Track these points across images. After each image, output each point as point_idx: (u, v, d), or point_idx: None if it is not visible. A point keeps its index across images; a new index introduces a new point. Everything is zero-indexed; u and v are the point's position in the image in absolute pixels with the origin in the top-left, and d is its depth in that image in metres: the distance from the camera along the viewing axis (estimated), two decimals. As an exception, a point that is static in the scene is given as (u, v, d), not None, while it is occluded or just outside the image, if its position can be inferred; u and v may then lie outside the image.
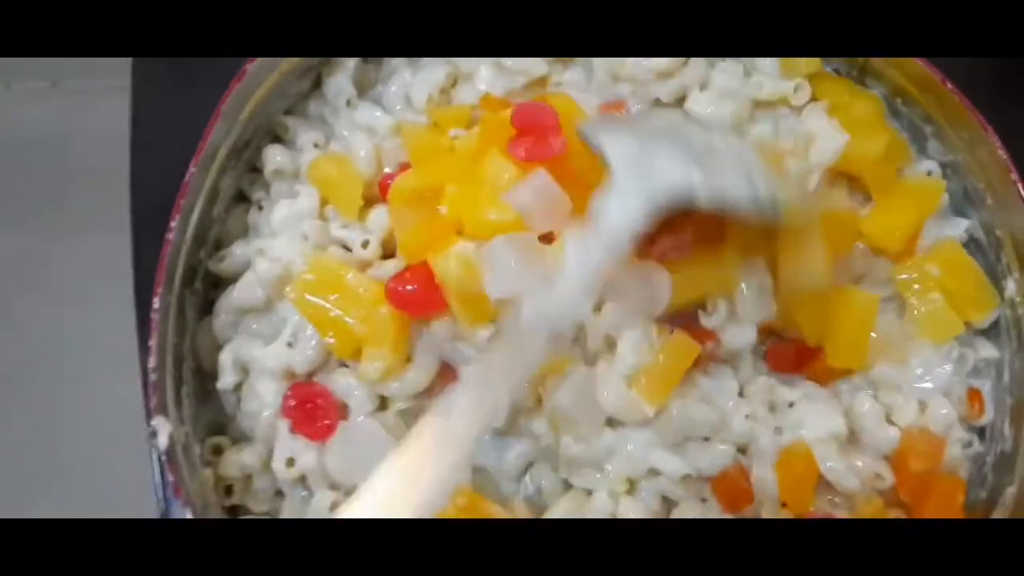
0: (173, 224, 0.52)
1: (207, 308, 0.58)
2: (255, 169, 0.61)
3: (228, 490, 0.55)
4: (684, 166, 0.48)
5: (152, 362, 0.50)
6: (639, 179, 0.47)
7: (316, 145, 0.60)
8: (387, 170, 0.58)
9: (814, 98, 0.61)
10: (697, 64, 0.60)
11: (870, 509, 0.52)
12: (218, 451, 0.55)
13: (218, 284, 0.59)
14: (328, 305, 0.54)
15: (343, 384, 0.55)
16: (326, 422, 0.54)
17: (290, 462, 0.54)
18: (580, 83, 0.62)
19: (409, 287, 0.53)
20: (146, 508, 0.61)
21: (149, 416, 0.49)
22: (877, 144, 0.57)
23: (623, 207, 0.47)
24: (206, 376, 0.57)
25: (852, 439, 0.54)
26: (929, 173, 0.61)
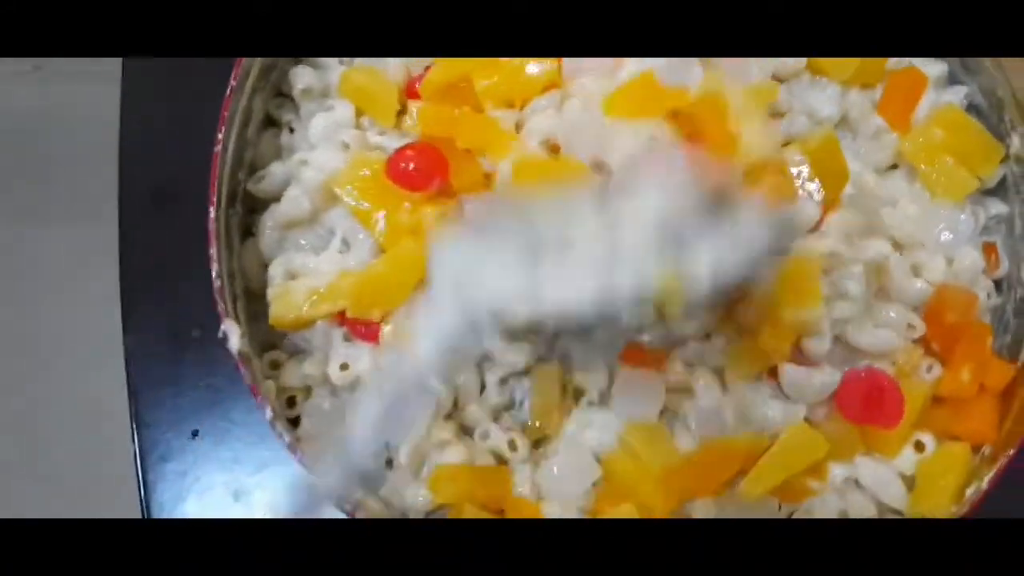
0: (219, 136, 0.53)
1: (247, 231, 0.60)
2: (281, 94, 0.62)
3: (290, 402, 0.56)
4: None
5: (215, 268, 0.51)
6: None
7: (341, 61, 0.61)
8: (415, 72, 0.59)
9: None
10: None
11: (907, 358, 0.55)
12: (275, 366, 0.57)
13: (254, 209, 0.60)
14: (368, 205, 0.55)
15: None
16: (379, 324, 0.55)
17: (344, 366, 0.55)
18: None
19: (411, 165, 0.53)
20: (125, 502, 0.64)
21: (217, 322, 0.50)
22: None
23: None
24: (253, 296, 0.58)
25: (881, 294, 0.57)
26: (928, 49, 0.64)
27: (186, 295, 0.58)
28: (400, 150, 0.54)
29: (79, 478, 1.17)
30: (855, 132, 0.61)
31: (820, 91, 0.61)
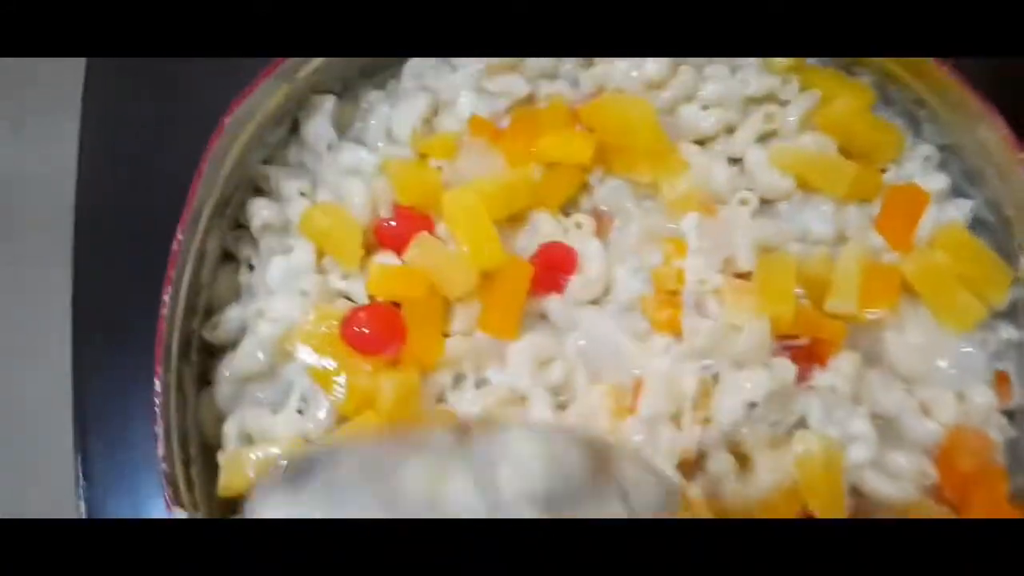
0: (166, 298, 0.49)
1: (204, 379, 0.55)
2: (239, 226, 0.58)
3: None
4: None
5: (161, 450, 0.47)
6: None
7: (302, 193, 0.57)
8: (382, 213, 0.55)
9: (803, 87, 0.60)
10: (686, 72, 0.59)
11: (920, 512, 0.51)
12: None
13: (213, 353, 0.56)
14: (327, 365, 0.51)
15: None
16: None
17: None
18: (566, 95, 0.60)
19: (364, 329, 0.50)
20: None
21: (168, 509, 0.46)
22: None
23: None
24: (211, 450, 0.53)
25: (889, 437, 0.53)
26: (927, 158, 0.60)
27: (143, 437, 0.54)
28: (354, 311, 0.50)
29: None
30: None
31: (813, 209, 0.57)
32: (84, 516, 0.58)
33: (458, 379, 0.52)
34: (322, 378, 0.50)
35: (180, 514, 0.46)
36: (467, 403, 0.51)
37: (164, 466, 0.47)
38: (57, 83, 0.72)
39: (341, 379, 0.49)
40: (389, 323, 0.49)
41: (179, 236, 0.51)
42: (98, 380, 0.61)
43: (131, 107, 0.68)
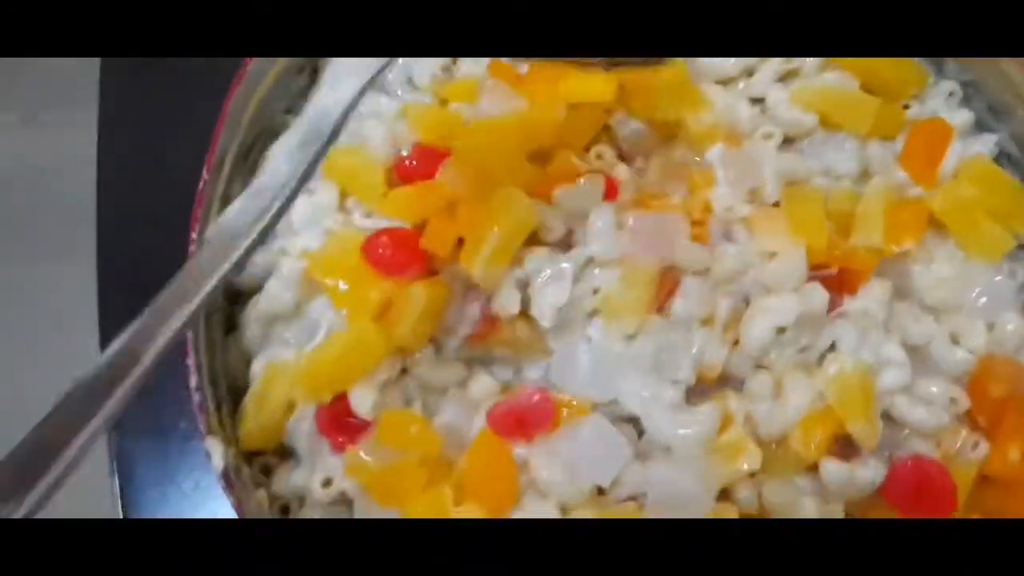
0: (194, 236, 0.49)
1: (231, 325, 0.55)
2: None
3: (284, 509, 0.52)
4: None
5: (194, 381, 0.47)
6: None
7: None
8: (403, 152, 0.55)
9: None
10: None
11: (951, 439, 0.50)
12: (267, 471, 0.52)
13: (238, 300, 0.56)
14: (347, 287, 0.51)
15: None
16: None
17: (327, 482, 0.50)
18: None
19: (386, 250, 0.50)
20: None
21: (200, 438, 0.46)
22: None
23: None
24: (241, 393, 0.54)
25: (919, 366, 0.52)
26: (951, 94, 0.60)
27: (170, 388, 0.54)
28: (376, 234, 0.50)
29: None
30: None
31: (837, 147, 0.57)
32: (114, 466, 0.58)
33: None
34: (341, 300, 0.50)
35: (214, 444, 0.46)
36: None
37: (197, 396, 0.47)
38: (69, 75, 0.72)
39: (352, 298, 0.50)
40: (410, 246, 0.50)
41: (205, 176, 0.51)
42: None
43: (147, 88, 0.68)
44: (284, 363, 0.51)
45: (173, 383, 0.53)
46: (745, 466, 0.48)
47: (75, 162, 0.77)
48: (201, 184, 0.50)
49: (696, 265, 0.50)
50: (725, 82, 0.59)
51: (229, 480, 0.46)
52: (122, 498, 0.58)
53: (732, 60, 0.58)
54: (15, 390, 1.21)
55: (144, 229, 0.63)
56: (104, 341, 0.60)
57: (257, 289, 0.54)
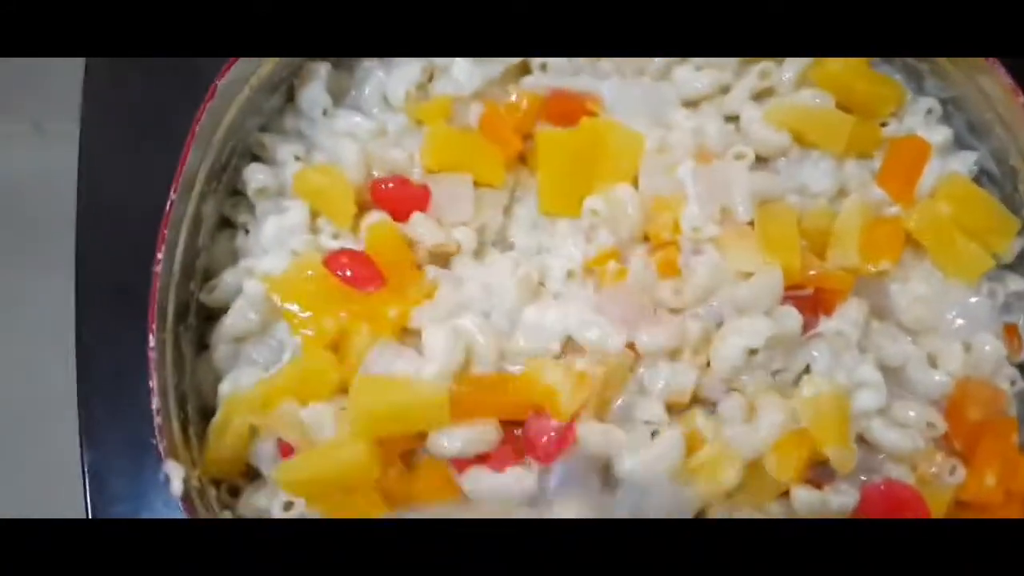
0: (159, 256, 0.49)
1: (203, 344, 0.55)
2: (236, 192, 0.58)
3: (250, 532, 0.52)
4: None
5: (155, 403, 0.47)
6: None
7: (298, 158, 0.57)
8: (376, 174, 0.55)
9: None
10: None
11: (927, 463, 0.50)
12: (235, 492, 0.52)
13: (212, 317, 0.56)
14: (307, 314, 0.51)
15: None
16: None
17: (288, 505, 0.49)
18: (562, 67, 0.59)
19: (347, 272, 0.51)
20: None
21: (159, 461, 0.46)
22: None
23: None
24: (211, 413, 0.53)
25: (896, 388, 0.51)
26: (929, 111, 0.59)
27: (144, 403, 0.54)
28: (335, 254, 0.51)
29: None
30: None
31: (813, 165, 0.56)
32: (86, 479, 0.57)
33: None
34: (299, 325, 0.50)
35: (174, 468, 0.46)
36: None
37: (158, 419, 0.46)
38: (76, 80, 0.72)
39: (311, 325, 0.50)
40: (370, 270, 0.50)
41: (172, 196, 0.50)
42: (101, 349, 0.60)
43: (128, 91, 0.68)
44: (243, 394, 0.50)
45: (146, 398, 0.54)
46: (726, 482, 0.47)
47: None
48: (168, 205, 0.50)
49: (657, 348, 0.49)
50: (696, 102, 0.58)
51: (190, 504, 0.46)
52: (92, 512, 0.57)
53: (705, 79, 0.58)
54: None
55: (122, 241, 0.62)
56: (79, 349, 0.60)
57: (226, 308, 0.54)
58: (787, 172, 0.56)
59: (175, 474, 0.46)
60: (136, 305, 0.58)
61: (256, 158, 0.58)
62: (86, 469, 0.58)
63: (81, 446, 0.58)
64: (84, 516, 0.58)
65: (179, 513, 0.57)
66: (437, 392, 0.46)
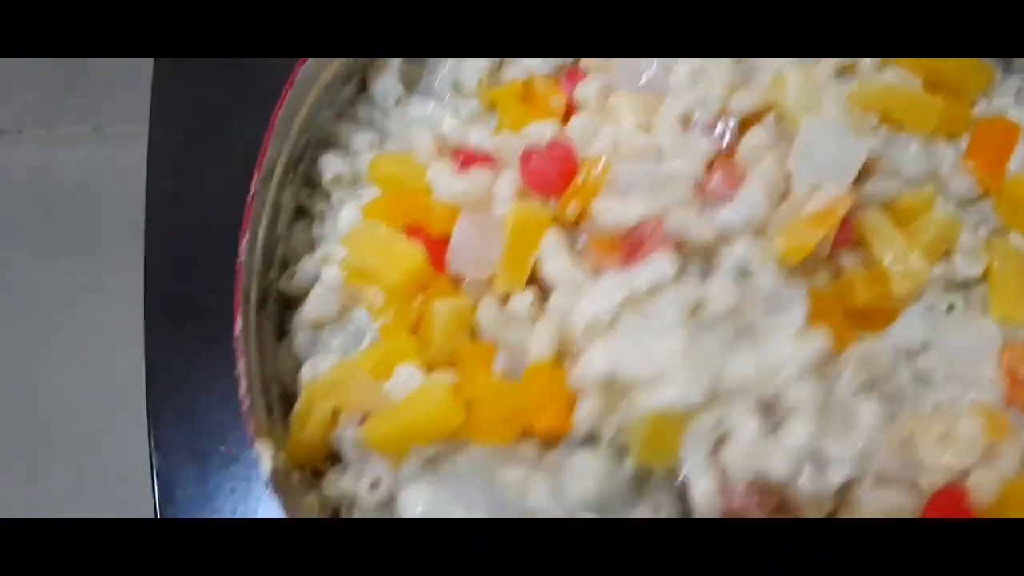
0: (243, 244, 0.50)
1: (283, 330, 0.56)
2: (311, 183, 0.59)
3: (335, 514, 0.52)
4: None
5: (243, 387, 0.48)
6: None
7: (372, 147, 0.58)
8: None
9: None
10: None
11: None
12: (318, 474, 0.53)
13: (290, 305, 0.57)
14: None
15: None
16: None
17: (375, 483, 0.50)
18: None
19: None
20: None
21: (250, 443, 0.47)
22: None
23: None
24: (292, 399, 0.54)
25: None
26: (1019, 91, 0.57)
27: (212, 410, 0.57)
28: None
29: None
30: (944, 192, 0.54)
31: (902, 148, 0.54)
32: (155, 485, 0.59)
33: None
34: (378, 310, 0.51)
35: (264, 448, 0.47)
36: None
37: (246, 402, 0.47)
38: (137, 87, 0.73)
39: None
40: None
41: (254, 187, 0.51)
42: (167, 360, 0.61)
43: (198, 92, 0.69)
44: (323, 381, 0.51)
45: (213, 405, 0.56)
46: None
47: (143, 174, 0.78)
48: (250, 195, 0.51)
49: None
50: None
51: (278, 484, 0.47)
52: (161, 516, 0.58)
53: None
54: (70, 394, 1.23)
55: (192, 224, 0.63)
56: (148, 353, 0.61)
57: (306, 295, 0.55)
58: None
59: (265, 454, 0.47)
60: (201, 313, 0.60)
61: (330, 147, 0.59)
62: (155, 475, 0.59)
63: (150, 453, 0.59)
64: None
65: (249, 515, 0.58)
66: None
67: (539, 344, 0.48)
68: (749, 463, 0.45)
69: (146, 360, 0.59)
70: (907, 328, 0.51)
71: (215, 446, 0.57)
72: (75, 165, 1.37)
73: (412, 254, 0.50)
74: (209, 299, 0.52)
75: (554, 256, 0.49)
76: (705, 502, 0.45)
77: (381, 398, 0.48)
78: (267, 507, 0.53)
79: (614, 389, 0.47)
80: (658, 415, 0.46)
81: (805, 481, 0.45)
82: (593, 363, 0.47)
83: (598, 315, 0.47)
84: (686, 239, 0.49)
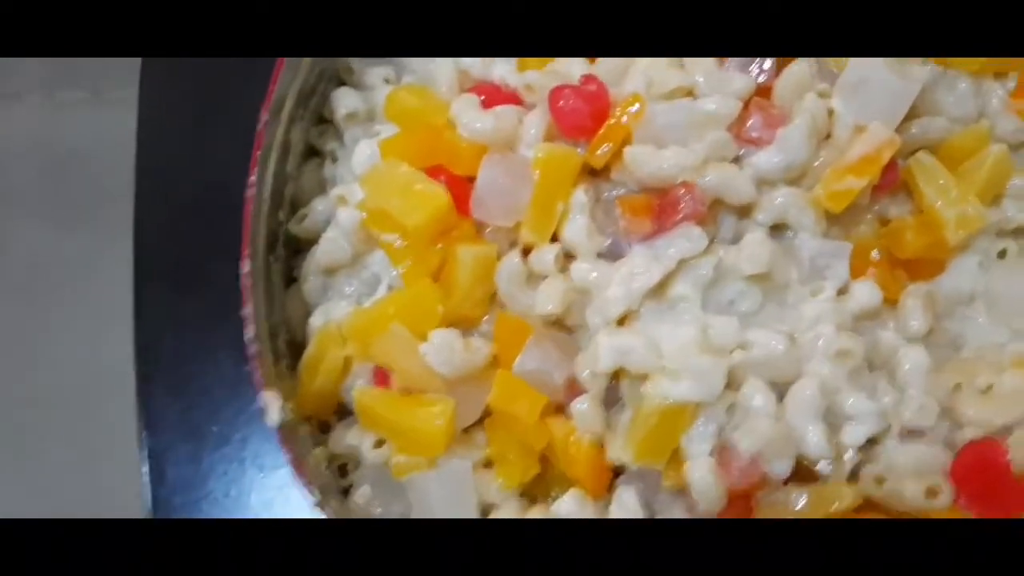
0: (252, 179, 0.47)
1: (292, 276, 0.53)
2: (323, 120, 0.56)
3: (342, 470, 0.50)
4: None
5: (250, 332, 0.45)
6: None
7: (387, 81, 0.54)
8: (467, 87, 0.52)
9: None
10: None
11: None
12: (326, 428, 0.50)
13: (300, 250, 0.54)
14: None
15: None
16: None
17: (379, 443, 0.47)
18: None
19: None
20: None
21: (253, 391, 0.44)
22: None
23: None
24: (300, 348, 0.51)
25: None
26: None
27: (209, 387, 0.54)
28: (559, 88, 0.47)
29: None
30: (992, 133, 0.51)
31: (948, 88, 0.51)
32: (145, 465, 0.56)
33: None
34: (396, 255, 0.47)
35: (271, 399, 0.44)
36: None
37: (253, 347, 0.44)
38: None
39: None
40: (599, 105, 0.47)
41: (263, 117, 0.48)
42: (160, 329, 0.59)
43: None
44: (337, 326, 0.48)
45: (211, 381, 0.54)
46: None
47: None
48: (260, 125, 0.48)
49: None
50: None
51: (285, 437, 0.44)
52: (153, 500, 0.56)
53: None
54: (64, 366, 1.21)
55: (185, 187, 0.60)
56: (137, 328, 0.58)
57: (316, 239, 0.52)
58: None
59: (272, 405, 0.44)
60: (196, 279, 0.56)
61: (342, 83, 0.56)
62: (145, 454, 0.56)
63: (140, 432, 0.57)
64: (143, 498, 0.56)
65: (237, 503, 0.55)
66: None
67: (548, 302, 0.46)
68: (757, 438, 0.42)
69: (136, 333, 0.56)
70: (958, 277, 0.48)
71: (209, 426, 0.54)
72: (74, 130, 1.35)
73: (436, 196, 0.46)
74: (210, 267, 0.49)
75: (577, 218, 0.46)
76: (704, 486, 0.42)
77: (417, 360, 0.45)
78: (260, 492, 0.51)
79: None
80: (667, 409, 0.43)
81: (819, 445, 0.43)
82: (602, 354, 0.44)
83: (621, 305, 0.45)
84: (723, 198, 0.46)
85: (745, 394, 0.44)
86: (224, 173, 0.50)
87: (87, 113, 1.34)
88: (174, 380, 0.57)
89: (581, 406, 0.44)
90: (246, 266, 0.46)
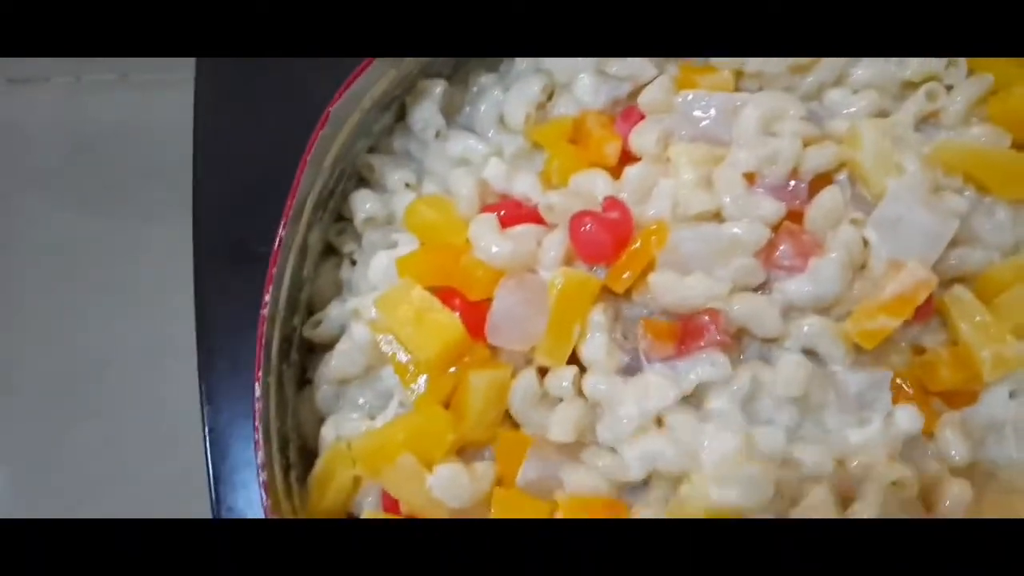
0: (267, 297, 0.47)
1: (304, 378, 0.53)
2: (341, 218, 0.55)
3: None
4: None
5: (261, 457, 0.44)
6: None
7: (407, 185, 0.54)
8: (489, 202, 0.51)
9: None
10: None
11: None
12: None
13: (313, 349, 0.53)
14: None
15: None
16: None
17: None
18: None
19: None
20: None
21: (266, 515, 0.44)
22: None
23: None
24: (311, 454, 0.51)
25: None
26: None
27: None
28: (580, 215, 0.46)
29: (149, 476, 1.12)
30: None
31: (986, 214, 0.49)
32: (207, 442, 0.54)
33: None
34: (403, 372, 0.46)
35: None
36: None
37: (263, 475, 0.44)
38: None
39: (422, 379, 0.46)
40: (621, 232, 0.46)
41: (281, 232, 0.48)
42: (221, 307, 0.56)
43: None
44: (347, 445, 0.48)
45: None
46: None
47: (170, 122, 0.75)
48: (277, 242, 0.47)
49: None
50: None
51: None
52: (214, 478, 0.53)
53: (863, 103, 0.51)
54: (107, 348, 1.21)
55: (242, 197, 0.58)
56: (199, 302, 0.57)
57: (331, 343, 0.52)
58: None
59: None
60: (252, 261, 0.54)
61: (363, 181, 0.55)
62: (206, 432, 0.54)
63: (202, 406, 0.54)
64: (206, 478, 0.54)
65: None
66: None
67: (561, 429, 0.45)
68: None
69: (196, 308, 0.55)
70: (991, 407, 0.46)
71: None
72: (102, 113, 1.36)
73: (449, 327, 0.45)
74: (261, 249, 0.48)
75: (596, 335, 0.45)
76: None
77: (423, 492, 0.44)
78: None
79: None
80: (713, 512, 0.42)
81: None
82: (632, 466, 0.43)
83: (634, 423, 0.44)
84: (749, 328, 0.45)
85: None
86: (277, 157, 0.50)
87: (115, 96, 1.35)
88: (236, 354, 0.54)
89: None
90: (257, 390, 0.45)
